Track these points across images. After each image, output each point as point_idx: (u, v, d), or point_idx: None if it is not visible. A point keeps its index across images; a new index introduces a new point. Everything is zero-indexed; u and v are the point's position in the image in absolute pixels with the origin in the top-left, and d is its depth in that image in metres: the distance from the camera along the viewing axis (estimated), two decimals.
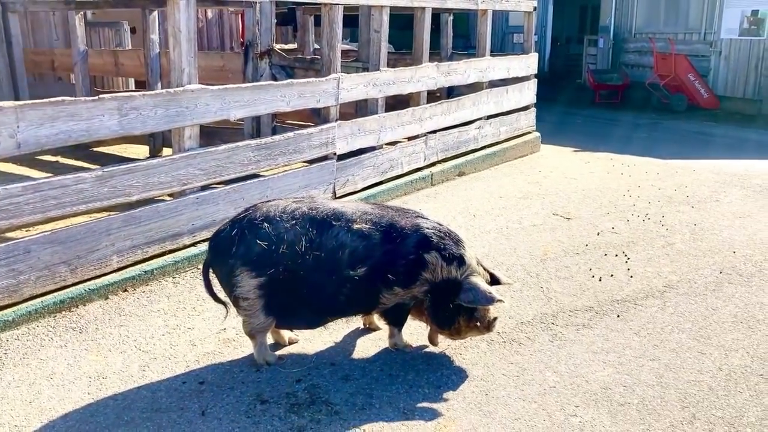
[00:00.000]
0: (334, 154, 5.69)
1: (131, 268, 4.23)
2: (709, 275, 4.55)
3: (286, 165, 5.31)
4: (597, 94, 14.19)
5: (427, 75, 6.68)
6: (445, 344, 3.53)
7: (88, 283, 4.01)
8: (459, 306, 3.24)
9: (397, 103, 6.93)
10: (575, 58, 17.13)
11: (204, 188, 4.64)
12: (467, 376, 3.28)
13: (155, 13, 6.82)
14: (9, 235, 4.03)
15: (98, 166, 4.07)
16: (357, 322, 3.71)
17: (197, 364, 3.37)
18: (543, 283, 4.42)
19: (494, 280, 3.41)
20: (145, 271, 4.27)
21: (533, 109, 8.86)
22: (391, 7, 6.11)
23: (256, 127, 6.61)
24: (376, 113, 6.18)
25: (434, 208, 6.00)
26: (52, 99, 3.71)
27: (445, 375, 3.29)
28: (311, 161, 5.56)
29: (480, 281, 3.26)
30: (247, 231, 3.15)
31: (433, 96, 7.34)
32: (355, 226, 3.20)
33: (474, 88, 7.65)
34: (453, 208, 6.10)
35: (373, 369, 3.34)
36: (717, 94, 12.63)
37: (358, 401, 3.05)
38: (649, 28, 14.16)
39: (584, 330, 3.77)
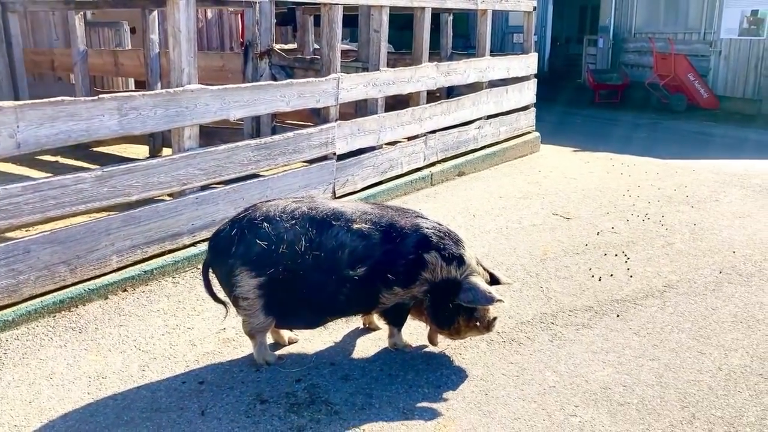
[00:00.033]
0: (334, 154, 5.69)
1: (131, 268, 4.23)
2: (708, 275, 4.55)
3: (285, 165, 5.31)
4: (597, 94, 14.19)
5: (426, 75, 6.68)
6: (444, 344, 3.53)
7: (88, 283, 4.01)
8: (459, 306, 3.24)
9: (397, 103, 6.94)
10: (575, 58, 17.13)
11: (204, 188, 4.64)
12: (467, 376, 3.28)
13: (155, 13, 6.82)
14: (8, 235, 4.03)
15: (98, 166, 4.07)
16: (357, 321, 3.71)
17: (197, 363, 3.37)
18: (543, 282, 4.42)
19: (494, 280, 3.41)
20: (144, 271, 4.27)
21: (533, 109, 8.86)
22: (390, 7, 6.11)
23: (255, 127, 6.61)
24: (376, 113, 6.18)
25: (434, 208, 6.00)
26: (52, 99, 3.72)
27: (444, 375, 3.29)
28: (311, 161, 5.56)
29: (480, 281, 3.26)
30: (247, 231, 3.15)
31: (433, 96, 7.34)
32: (355, 226, 3.20)
33: (474, 88, 7.65)
34: (453, 208, 6.10)
35: (373, 369, 3.34)
36: (717, 94, 12.63)
37: (358, 401, 3.05)
38: (649, 28, 14.16)
39: (584, 330, 3.77)
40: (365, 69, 6.38)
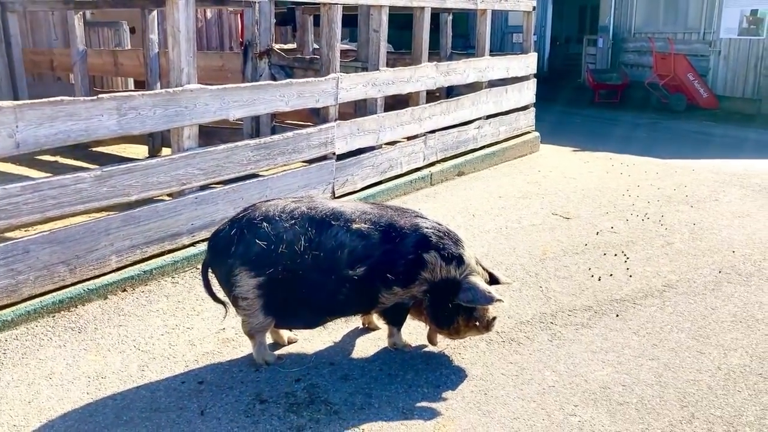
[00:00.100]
0: (333, 153, 5.69)
1: (130, 268, 4.23)
2: (708, 275, 4.56)
3: (285, 165, 5.31)
4: (596, 93, 14.20)
5: (426, 75, 6.68)
6: (444, 344, 3.53)
7: (87, 283, 4.01)
8: (458, 305, 3.24)
9: (397, 102, 6.93)
10: (574, 58, 17.14)
11: (203, 188, 4.64)
12: (466, 376, 3.28)
13: (154, 12, 6.82)
14: (8, 235, 4.03)
15: (97, 166, 4.07)
16: (356, 321, 3.71)
17: (196, 363, 3.37)
18: (542, 282, 4.42)
19: (493, 280, 3.41)
20: (144, 271, 4.27)
21: (532, 109, 8.86)
22: (390, 7, 6.11)
23: (255, 127, 6.61)
24: (375, 113, 6.18)
25: (433, 207, 6.00)
26: (51, 99, 3.71)
27: (444, 374, 3.29)
28: (310, 161, 5.56)
29: (479, 281, 3.26)
30: (246, 231, 3.15)
31: (433, 96, 7.34)
32: (354, 226, 3.20)
33: (473, 87, 7.65)
34: (452, 207, 6.10)
35: (372, 368, 3.34)
36: (716, 94, 12.63)
37: (357, 401, 3.05)
38: (649, 28, 14.16)
39: (583, 329, 3.77)
40: (365, 69, 6.39)
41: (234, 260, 3.13)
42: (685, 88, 12.64)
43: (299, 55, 7.55)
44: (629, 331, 3.75)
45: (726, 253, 4.94)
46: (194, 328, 3.75)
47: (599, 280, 4.45)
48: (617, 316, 3.94)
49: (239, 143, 4.89)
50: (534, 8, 8.56)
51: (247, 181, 4.92)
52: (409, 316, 3.45)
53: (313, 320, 3.36)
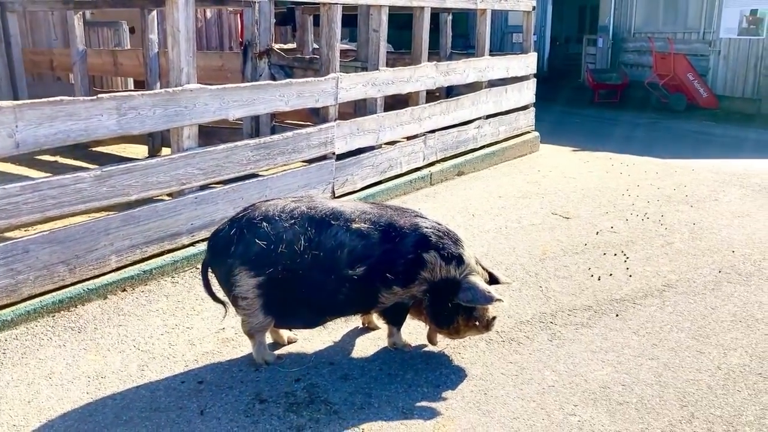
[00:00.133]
0: (333, 153, 5.69)
1: (130, 268, 4.23)
2: (708, 274, 4.56)
3: (285, 165, 5.31)
4: (596, 93, 14.20)
5: (426, 74, 6.68)
6: (444, 343, 3.53)
7: (87, 282, 4.01)
8: (458, 305, 3.24)
9: (396, 102, 6.93)
10: (574, 58, 17.14)
11: (203, 188, 4.64)
12: (466, 376, 3.28)
13: (154, 12, 6.82)
14: (7, 234, 4.03)
15: (97, 166, 4.07)
16: (356, 321, 3.71)
17: (196, 363, 3.37)
18: (542, 282, 4.42)
19: (493, 280, 3.41)
20: (143, 271, 4.27)
21: (532, 109, 8.86)
22: (389, 7, 6.11)
23: (254, 127, 6.61)
24: (375, 113, 6.18)
25: (433, 207, 6.00)
26: (51, 99, 3.71)
27: (444, 374, 3.29)
28: (310, 161, 5.56)
29: (479, 280, 3.26)
30: (246, 230, 3.15)
31: (432, 95, 7.34)
32: (354, 226, 3.20)
33: (473, 87, 7.65)
34: (452, 207, 6.10)
35: (372, 368, 3.33)
36: (716, 94, 12.63)
37: (357, 400, 3.05)
38: (648, 28, 14.16)
39: (583, 329, 3.77)
40: (364, 69, 6.39)
41: (234, 260, 3.13)
42: (684, 87, 12.64)
43: (299, 55, 7.55)
44: (629, 330, 3.75)
45: (726, 253, 4.95)
46: (194, 327, 3.75)
47: (599, 279, 4.45)
48: (617, 315, 3.94)
49: (239, 143, 4.89)
50: (534, 8, 8.56)
51: (247, 181, 4.92)
52: (408, 315, 3.45)
53: (312, 320, 3.36)
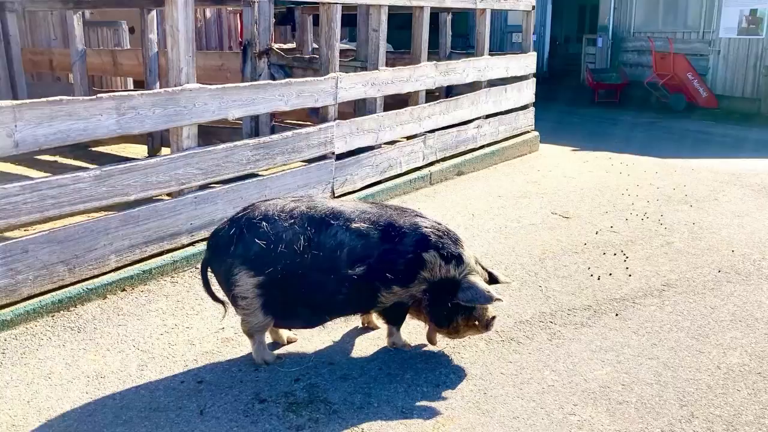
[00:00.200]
0: (333, 153, 5.69)
1: (129, 268, 4.23)
2: (707, 274, 4.55)
3: (284, 164, 5.31)
4: (596, 93, 14.20)
5: (425, 74, 6.68)
6: (443, 343, 3.53)
7: (87, 282, 4.01)
8: (457, 305, 3.24)
9: (396, 102, 6.93)
10: (574, 58, 17.13)
11: (202, 188, 4.64)
12: (466, 375, 3.28)
13: (153, 12, 6.82)
14: (7, 234, 4.03)
15: (96, 166, 4.07)
16: (356, 321, 3.71)
17: (195, 363, 3.37)
18: (541, 282, 4.42)
19: (493, 279, 3.41)
20: (143, 271, 4.27)
21: (532, 109, 8.86)
22: (389, 6, 6.11)
23: (254, 127, 6.61)
24: (375, 112, 6.18)
25: (433, 207, 6.00)
26: (50, 98, 3.71)
27: (443, 374, 3.29)
28: (310, 160, 5.56)
29: (478, 280, 3.26)
30: (246, 230, 3.15)
31: (432, 95, 7.34)
32: (354, 225, 3.20)
33: (473, 87, 7.65)
34: (452, 207, 6.10)
35: (372, 368, 3.33)
36: (716, 93, 12.63)
37: (357, 400, 3.05)
38: (648, 28, 14.16)
39: (583, 329, 3.77)
40: (364, 68, 6.38)
41: (233, 260, 3.13)
42: (684, 87, 12.64)
43: (298, 55, 7.55)
44: (629, 330, 3.75)
45: (725, 253, 4.95)
46: (193, 327, 3.75)
47: (599, 279, 4.45)
48: (617, 315, 3.94)
49: (238, 143, 4.88)
50: (533, 8, 8.56)
51: (247, 181, 4.92)
52: (408, 315, 3.45)
53: (312, 320, 3.36)
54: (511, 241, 5.19)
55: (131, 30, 9.85)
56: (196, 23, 5.96)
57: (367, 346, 3.55)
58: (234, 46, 11.53)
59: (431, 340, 3.52)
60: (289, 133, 5.29)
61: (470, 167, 7.47)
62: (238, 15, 11.32)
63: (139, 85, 8.24)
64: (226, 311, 3.37)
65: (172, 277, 4.39)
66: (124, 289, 4.15)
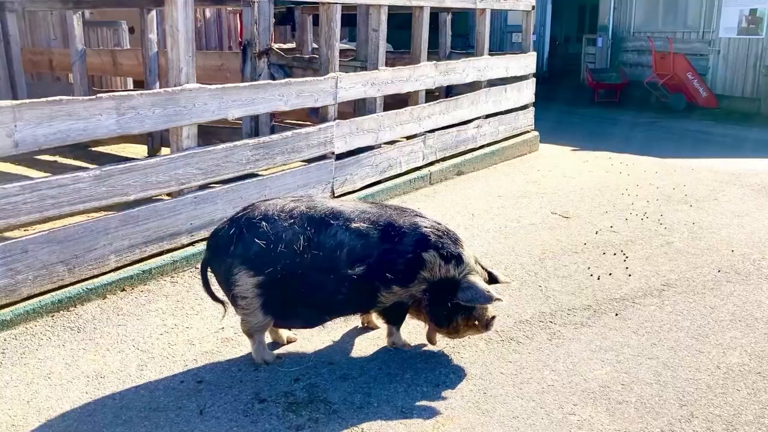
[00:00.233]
0: (333, 153, 5.69)
1: (129, 268, 4.23)
2: (707, 274, 4.56)
3: (284, 164, 5.31)
4: (596, 93, 14.20)
5: (425, 74, 6.68)
6: (443, 343, 3.53)
7: (86, 282, 4.01)
8: (457, 305, 3.24)
9: (396, 102, 6.93)
10: (574, 58, 17.13)
11: (202, 188, 4.64)
12: (465, 375, 3.28)
13: (153, 12, 6.82)
14: (7, 234, 4.03)
15: (96, 166, 4.07)
16: (355, 320, 3.71)
17: (195, 363, 3.37)
18: (541, 281, 4.42)
19: (492, 279, 3.41)
20: (143, 271, 4.27)
21: (532, 108, 8.86)
22: (389, 6, 6.11)
23: (254, 127, 6.61)
24: (375, 112, 6.18)
25: (433, 207, 6.00)
26: (50, 98, 3.71)
27: (443, 374, 3.29)
28: (309, 160, 5.56)
29: (478, 280, 3.26)
30: (246, 230, 3.15)
31: (432, 95, 7.33)
32: (353, 225, 3.20)
33: (472, 87, 7.65)
34: (451, 207, 6.10)
35: (372, 368, 3.33)
36: (715, 93, 12.63)
37: (357, 400, 3.05)
38: (648, 27, 14.16)
39: (582, 328, 3.77)
40: (364, 68, 6.38)
41: (233, 259, 3.13)
42: (684, 87, 12.64)
43: (298, 55, 7.55)
44: (628, 330, 3.75)
45: (725, 253, 4.95)
46: (193, 327, 3.75)
47: (598, 279, 4.45)
48: (616, 315, 3.94)
49: (238, 143, 4.88)
50: (533, 8, 8.55)
51: (246, 181, 4.92)
52: (408, 315, 3.45)
53: (312, 319, 3.36)
54: (511, 241, 5.19)
55: (131, 30, 9.85)
56: (195, 23, 5.96)
57: (366, 345, 3.55)
58: (234, 46, 11.53)
59: (431, 340, 3.52)
60: (288, 133, 5.29)
61: (470, 167, 7.47)
62: (237, 15, 11.32)
63: (139, 85, 8.24)
64: (225, 311, 3.37)
65: (172, 277, 4.39)
66: (123, 289, 4.15)
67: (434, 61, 6.86)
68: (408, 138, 6.71)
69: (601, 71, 14.56)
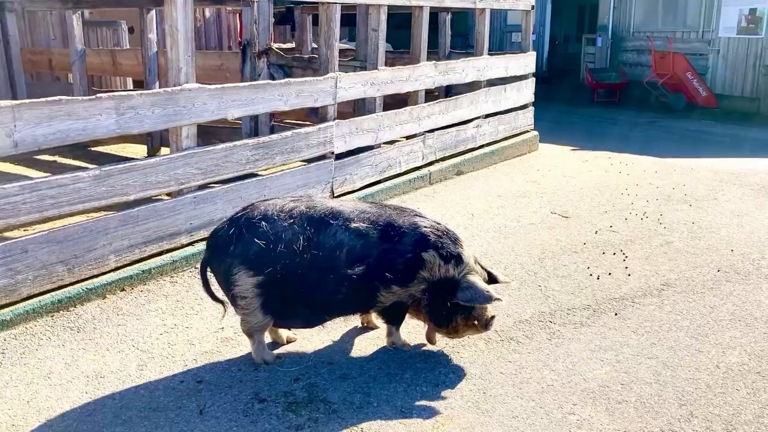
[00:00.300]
0: (332, 153, 5.69)
1: (129, 268, 4.23)
2: (707, 273, 4.56)
3: (283, 164, 5.31)
4: (595, 92, 14.20)
5: (425, 74, 6.68)
6: (443, 343, 3.53)
7: (86, 282, 4.01)
8: (457, 304, 3.24)
9: (395, 102, 6.93)
10: (574, 57, 17.12)
11: (202, 187, 4.64)
12: (465, 375, 3.28)
13: (153, 12, 6.82)
14: (6, 234, 4.03)
15: (96, 166, 4.07)
16: (355, 320, 3.71)
17: (195, 363, 3.37)
18: (541, 281, 4.42)
19: (492, 279, 3.41)
20: (142, 271, 4.27)
21: (531, 108, 8.86)
22: (388, 6, 6.11)
23: (253, 127, 6.61)
24: (374, 112, 6.18)
25: (432, 207, 6.00)
26: (50, 98, 3.71)
27: (443, 373, 3.29)
28: (309, 160, 5.56)
29: (478, 280, 3.26)
30: (245, 230, 3.15)
31: (431, 95, 7.34)
32: (353, 225, 3.20)
33: (472, 87, 7.65)
34: (451, 207, 6.10)
35: (371, 368, 3.34)
36: (715, 93, 12.63)
37: (356, 400, 3.05)
38: (648, 27, 14.16)
39: (582, 328, 3.77)
40: (363, 68, 6.38)
41: (233, 259, 3.13)
42: (684, 87, 12.64)
43: (298, 55, 7.55)
44: (628, 329, 3.76)
45: (725, 252, 4.95)
46: (193, 327, 3.75)
47: (598, 278, 4.46)
48: (616, 314, 3.94)
49: (238, 143, 4.88)
50: (533, 7, 8.55)
51: (246, 181, 4.92)
52: (407, 315, 3.45)
53: (312, 319, 3.36)
54: (511, 241, 5.19)
55: (130, 30, 9.85)
56: (195, 23, 5.96)
57: (366, 345, 3.56)
58: (233, 45, 11.53)
59: (430, 340, 3.52)
60: (288, 133, 5.29)
61: (470, 167, 7.47)
62: (237, 15, 11.32)
63: (139, 84, 8.24)
64: (225, 311, 3.37)
65: (172, 277, 4.39)
66: (123, 289, 4.15)
67: (434, 61, 6.86)
68: (407, 138, 6.72)
69: (601, 71, 14.57)
